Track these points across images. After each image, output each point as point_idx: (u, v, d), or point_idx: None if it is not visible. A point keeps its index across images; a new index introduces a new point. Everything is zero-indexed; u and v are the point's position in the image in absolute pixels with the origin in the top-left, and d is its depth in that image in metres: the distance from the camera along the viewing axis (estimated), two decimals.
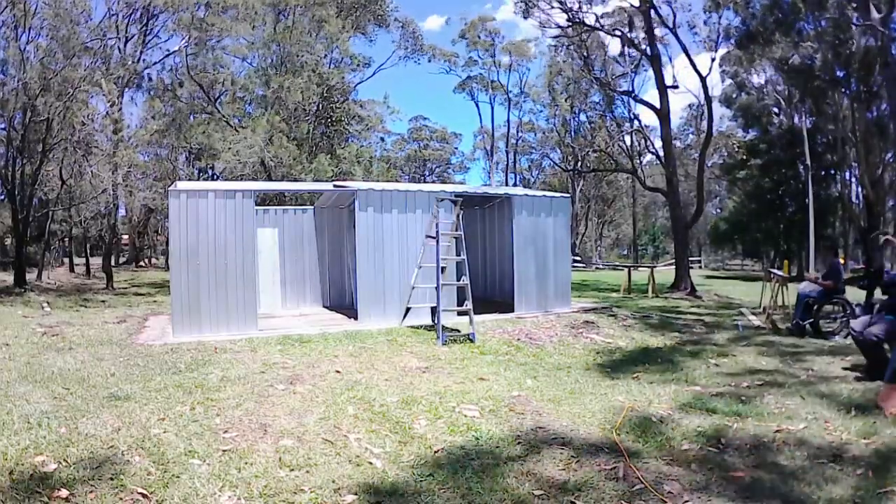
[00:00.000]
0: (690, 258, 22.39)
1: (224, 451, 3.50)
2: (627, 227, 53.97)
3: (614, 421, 4.22)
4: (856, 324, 5.44)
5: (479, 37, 42.24)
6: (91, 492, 2.91)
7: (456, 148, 54.12)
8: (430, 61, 39.87)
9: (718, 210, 46.46)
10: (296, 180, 18.82)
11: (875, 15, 12.63)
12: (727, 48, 23.46)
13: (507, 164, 47.44)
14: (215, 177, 26.39)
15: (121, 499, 2.87)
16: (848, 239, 31.24)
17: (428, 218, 8.80)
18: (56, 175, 18.02)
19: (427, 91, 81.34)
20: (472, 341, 7.26)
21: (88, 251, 27.63)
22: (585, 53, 25.22)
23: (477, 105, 47.70)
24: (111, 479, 3.06)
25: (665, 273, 19.69)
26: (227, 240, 7.74)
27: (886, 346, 5.18)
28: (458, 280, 8.26)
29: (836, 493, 3.04)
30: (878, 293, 9.52)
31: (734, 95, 31.30)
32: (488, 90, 45.18)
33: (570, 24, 21.07)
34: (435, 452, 3.58)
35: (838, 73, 21.55)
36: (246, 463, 3.35)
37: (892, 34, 13.83)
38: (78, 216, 20.98)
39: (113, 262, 23.31)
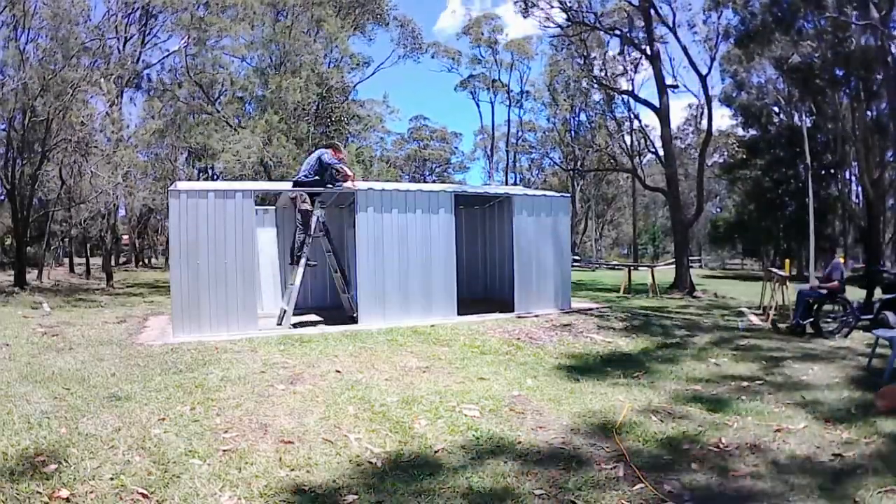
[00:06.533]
0: (690, 258, 22.36)
1: (224, 450, 3.50)
2: (627, 226, 53.94)
3: (615, 420, 4.22)
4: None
5: (483, 34, 42.22)
6: (91, 492, 2.91)
7: (456, 147, 54.17)
8: (433, 58, 40.05)
9: (718, 209, 46.45)
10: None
11: (875, 14, 12.63)
12: (727, 47, 23.45)
13: (508, 164, 47.44)
14: (215, 177, 26.40)
15: (121, 499, 2.87)
16: (847, 238, 31.21)
17: (430, 217, 8.88)
18: (56, 175, 18.01)
19: (427, 91, 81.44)
20: None
21: (88, 251, 27.62)
22: (585, 53, 25.19)
23: (477, 104, 47.78)
24: (111, 479, 3.06)
25: (665, 273, 19.69)
26: (227, 240, 7.73)
27: None
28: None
29: (837, 493, 3.05)
30: (878, 292, 9.55)
31: (734, 94, 31.28)
32: (490, 89, 45.18)
33: (570, 23, 21.06)
34: (435, 452, 3.58)
35: (838, 72, 21.52)
36: (246, 463, 3.35)
37: (892, 33, 13.80)
38: (78, 216, 20.96)
39: (113, 263, 23.30)
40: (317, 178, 8.24)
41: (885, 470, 3.30)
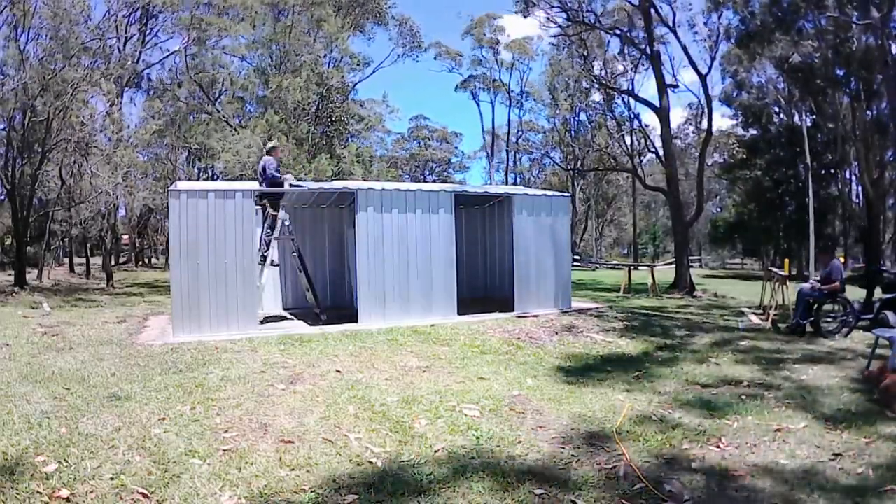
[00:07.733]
0: (690, 257, 22.35)
1: (224, 450, 3.50)
2: (628, 226, 53.94)
3: (615, 420, 4.22)
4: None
5: (486, 34, 42.19)
6: (91, 492, 2.91)
7: (456, 147, 54.14)
8: (435, 59, 40.06)
9: (718, 209, 46.43)
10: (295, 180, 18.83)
11: (875, 14, 12.62)
12: (727, 47, 23.45)
13: (508, 164, 47.44)
14: (215, 177, 26.40)
15: (121, 499, 2.87)
16: (848, 238, 31.20)
17: (429, 217, 8.91)
18: (56, 175, 18.01)
19: (427, 90, 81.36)
20: None
21: (88, 251, 27.61)
22: (586, 52, 25.17)
23: (478, 104, 47.69)
24: (111, 478, 3.06)
25: (665, 272, 19.69)
26: (227, 240, 7.74)
27: None
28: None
29: (837, 492, 3.05)
30: (878, 292, 9.54)
31: (734, 94, 31.25)
32: (490, 89, 45.15)
33: (570, 23, 21.05)
34: (435, 452, 3.58)
35: (838, 72, 21.52)
36: (246, 462, 3.35)
37: (892, 33, 13.80)
38: (78, 216, 20.96)
39: (113, 262, 23.30)
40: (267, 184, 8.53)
41: (885, 470, 3.29)
